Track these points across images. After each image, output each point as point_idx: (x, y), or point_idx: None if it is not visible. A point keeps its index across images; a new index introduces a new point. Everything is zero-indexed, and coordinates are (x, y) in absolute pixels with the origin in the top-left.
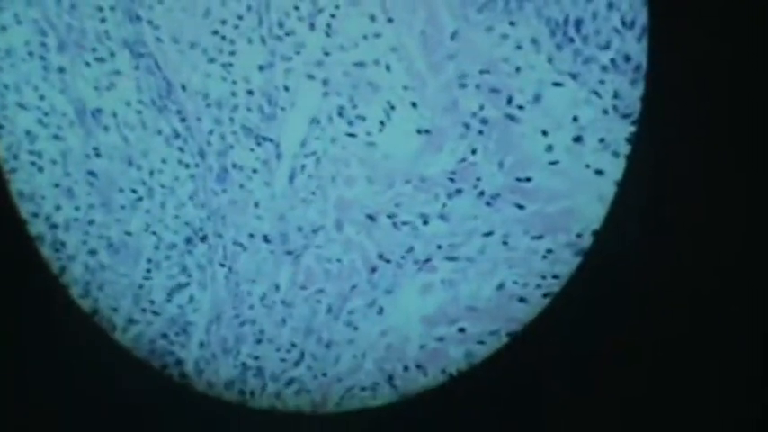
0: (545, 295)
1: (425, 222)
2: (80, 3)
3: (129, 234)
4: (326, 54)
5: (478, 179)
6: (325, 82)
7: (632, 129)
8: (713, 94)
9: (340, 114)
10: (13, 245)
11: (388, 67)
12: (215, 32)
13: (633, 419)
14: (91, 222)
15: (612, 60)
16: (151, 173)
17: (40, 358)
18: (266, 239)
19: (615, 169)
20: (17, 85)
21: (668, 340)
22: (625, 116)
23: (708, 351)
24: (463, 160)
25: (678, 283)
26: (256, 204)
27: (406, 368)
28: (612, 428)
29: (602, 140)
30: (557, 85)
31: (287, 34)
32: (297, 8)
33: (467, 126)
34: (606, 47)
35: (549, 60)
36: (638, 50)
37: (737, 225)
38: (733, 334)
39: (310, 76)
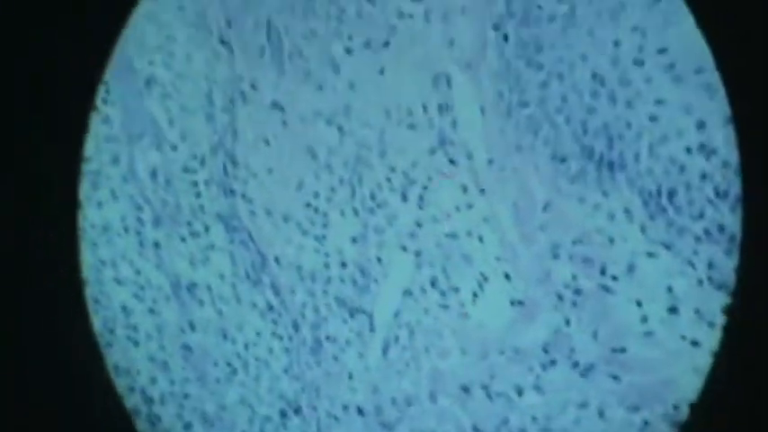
0: None
1: (520, 394)
2: (175, 178)
3: (223, 407)
4: (419, 225)
5: (572, 350)
6: (417, 253)
7: (728, 299)
8: None
9: (433, 285)
10: (110, 419)
11: (480, 239)
12: (308, 205)
13: None
14: (186, 396)
15: (706, 230)
16: (246, 346)
17: None
18: (360, 412)
19: (711, 340)
20: (113, 261)
21: None
22: (720, 287)
23: None
24: (557, 331)
25: None
26: (350, 376)
27: None
28: None
29: (697, 311)
30: (650, 255)
31: (379, 206)
32: (389, 180)
33: (560, 297)
34: (700, 217)
35: (643, 231)
36: (732, 220)
37: None
38: None
39: (403, 248)
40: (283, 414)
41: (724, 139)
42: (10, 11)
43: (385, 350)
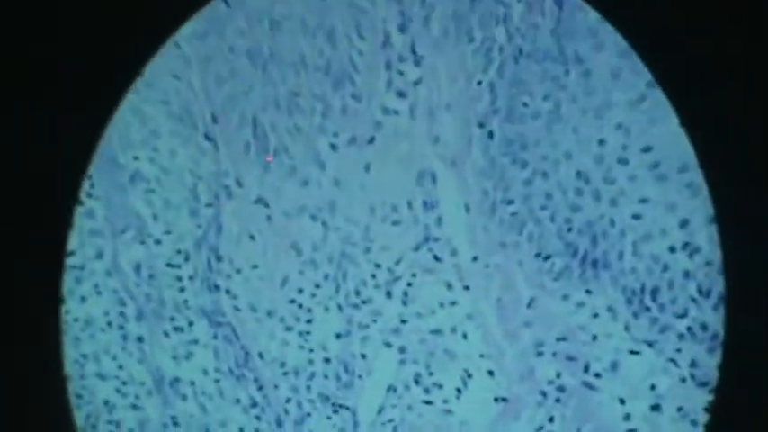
0: None
1: None
2: (159, 273)
3: None
4: (403, 322)
5: None
6: (401, 349)
7: (710, 397)
8: None
9: (417, 382)
10: None
11: (464, 335)
12: (292, 301)
13: None
14: None
15: (689, 328)
16: None
17: None
18: None
19: None
20: (96, 355)
21: None
22: (702, 384)
23: None
24: (541, 428)
25: None
26: None
27: None
28: None
29: (680, 409)
30: (634, 353)
31: (363, 302)
32: (374, 276)
33: (544, 394)
34: (683, 315)
35: (626, 328)
36: (715, 319)
37: None
38: None
39: (387, 344)
40: None
41: (707, 237)
42: None
43: None
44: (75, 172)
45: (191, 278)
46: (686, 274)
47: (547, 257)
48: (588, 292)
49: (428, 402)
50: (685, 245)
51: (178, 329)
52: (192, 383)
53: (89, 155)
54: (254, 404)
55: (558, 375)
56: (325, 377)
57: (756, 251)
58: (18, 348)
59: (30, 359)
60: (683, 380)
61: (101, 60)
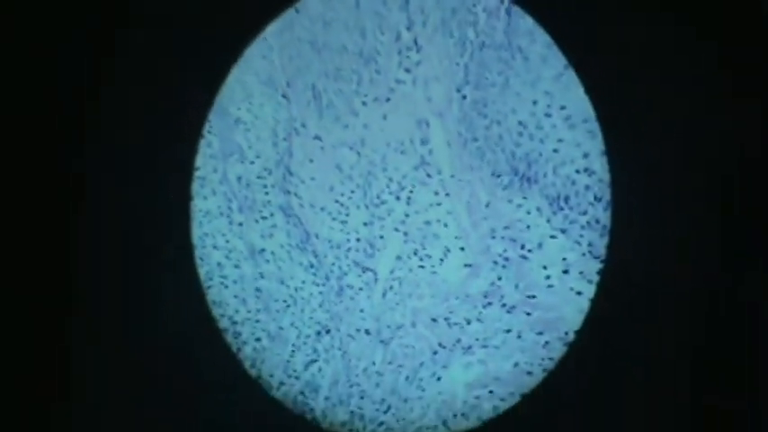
0: (544, 370)
1: (469, 323)
2: (253, 181)
3: (281, 328)
4: (407, 216)
5: (502, 296)
6: (405, 233)
7: (600, 266)
8: (664, 245)
9: (415, 254)
10: (206, 334)
11: (446, 225)
12: (336, 201)
13: None
14: (257, 321)
15: (588, 222)
16: (295, 289)
17: (219, 409)
18: (367, 332)
19: (589, 291)
20: (212, 234)
21: (626, 404)
22: (596, 257)
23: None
24: (493, 284)
25: (631, 364)
26: (361, 310)
27: (455, 416)
28: None
29: (581, 272)
30: (553, 237)
31: (382, 203)
32: (388, 186)
33: (495, 262)
34: (584, 213)
35: (548, 221)
36: (604, 216)
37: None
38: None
39: (396, 230)
40: (318, 333)
41: (600, 164)
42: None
43: (384, 294)
44: (200, 116)
45: (272, 186)
46: (586, 187)
47: (498, 176)
48: (524, 198)
49: (422, 267)
50: (586, 169)
51: (264, 218)
52: (273, 253)
53: (209, 106)
54: (312, 266)
55: (505, 250)
56: (357, 250)
57: (632, 172)
58: (161, 229)
59: (168, 235)
60: (584, 254)
61: (220, 46)
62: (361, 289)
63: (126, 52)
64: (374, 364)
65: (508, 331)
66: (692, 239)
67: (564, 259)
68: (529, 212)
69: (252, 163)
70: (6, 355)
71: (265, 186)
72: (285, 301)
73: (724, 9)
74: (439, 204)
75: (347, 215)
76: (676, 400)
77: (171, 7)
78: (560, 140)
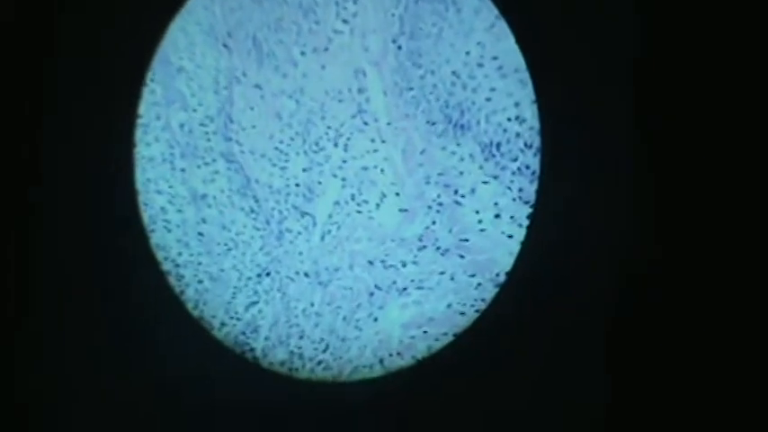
0: (476, 311)
1: (404, 266)
2: (195, 128)
3: (222, 270)
4: (344, 162)
5: (437, 239)
6: (343, 179)
7: (530, 210)
8: (592, 191)
9: (352, 198)
10: (149, 277)
11: (382, 170)
12: (276, 148)
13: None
14: (199, 263)
15: (519, 168)
16: (237, 233)
17: (160, 350)
18: (306, 275)
19: (520, 235)
20: (155, 179)
21: (553, 343)
22: (526, 202)
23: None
24: (427, 228)
25: (558, 305)
26: (300, 253)
27: (390, 354)
28: (519, 397)
29: (512, 217)
30: (485, 183)
31: (321, 149)
32: (327, 133)
33: (429, 207)
34: (515, 160)
35: (480, 168)
36: (534, 162)
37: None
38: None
39: (334, 176)
40: (259, 276)
41: (531, 113)
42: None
43: (323, 237)
44: (143, 65)
45: (214, 133)
46: (517, 134)
47: (433, 123)
48: (458, 144)
49: (359, 212)
50: (517, 117)
51: (206, 164)
52: (215, 197)
53: (152, 55)
54: (252, 210)
55: (439, 195)
56: (296, 195)
57: (562, 120)
58: (106, 175)
59: (114, 181)
60: (515, 200)
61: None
62: (300, 233)
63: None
64: (313, 305)
65: (442, 273)
66: (620, 186)
67: (496, 204)
68: (462, 159)
69: (194, 111)
70: None
71: (207, 133)
72: (227, 245)
73: None
74: (376, 151)
75: (287, 161)
76: (597, 340)
77: None
78: (492, 89)
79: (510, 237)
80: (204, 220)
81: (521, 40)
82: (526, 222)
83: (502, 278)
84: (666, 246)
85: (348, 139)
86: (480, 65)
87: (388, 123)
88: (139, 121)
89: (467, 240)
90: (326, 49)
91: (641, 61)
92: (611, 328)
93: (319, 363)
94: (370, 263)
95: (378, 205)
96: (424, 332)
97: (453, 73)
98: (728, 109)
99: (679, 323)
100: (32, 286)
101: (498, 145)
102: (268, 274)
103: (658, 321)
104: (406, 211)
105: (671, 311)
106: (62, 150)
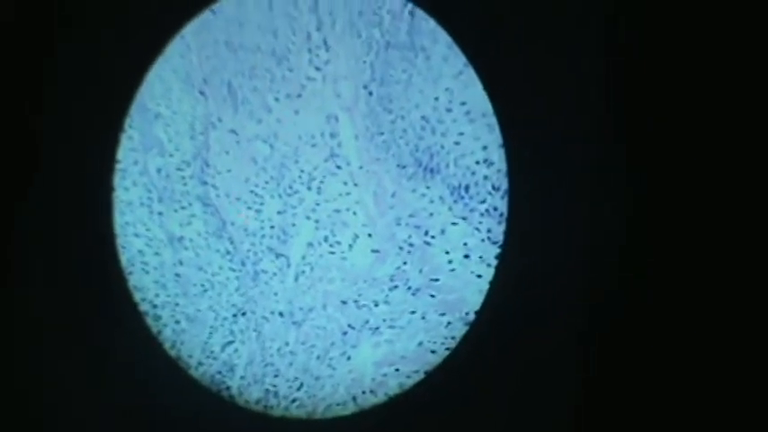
0: (447, 349)
1: (376, 305)
2: (172, 173)
3: (199, 311)
4: (317, 204)
5: (407, 279)
6: (316, 221)
7: (498, 250)
8: (559, 233)
9: (325, 240)
10: (126, 318)
11: (354, 213)
12: (251, 191)
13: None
14: (176, 304)
15: (487, 210)
16: (212, 274)
17: (138, 389)
18: (281, 314)
19: (488, 274)
20: (133, 223)
21: (523, 379)
22: (494, 243)
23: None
24: (398, 268)
25: (527, 343)
26: (275, 294)
27: (363, 392)
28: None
29: (480, 257)
30: (454, 224)
31: (295, 192)
32: (300, 177)
33: (401, 248)
34: (483, 201)
35: (450, 209)
36: (502, 204)
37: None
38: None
39: (308, 218)
40: (234, 315)
41: (498, 156)
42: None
43: (296, 278)
44: (120, 112)
45: (191, 177)
46: (485, 177)
47: (403, 167)
48: (428, 187)
49: (332, 253)
50: (485, 160)
51: (183, 208)
52: (191, 240)
53: (130, 101)
54: (228, 252)
55: (409, 236)
56: (271, 237)
57: (529, 164)
58: (82, 215)
59: (90, 223)
60: (483, 240)
61: (140, 44)
62: (275, 274)
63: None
64: (287, 344)
65: (413, 312)
66: (587, 229)
67: (465, 244)
68: (432, 201)
69: (171, 156)
70: None
71: (184, 178)
72: (203, 286)
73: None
74: (348, 194)
75: (261, 204)
76: (569, 380)
77: (92, 8)
78: (461, 134)
79: (479, 276)
80: (181, 262)
81: (488, 86)
82: (494, 262)
83: (471, 317)
84: (635, 287)
85: (321, 182)
86: (449, 110)
87: (360, 167)
88: (118, 166)
89: (437, 280)
90: (300, 96)
91: (607, 106)
92: (581, 364)
93: (294, 401)
94: (343, 303)
95: (350, 246)
96: (396, 370)
97: (423, 118)
98: (699, 149)
99: (652, 362)
100: (7, 325)
101: (467, 187)
102: (243, 314)
103: (629, 359)
104: (377, 251)
105: (641, 350)
106: (44, 194)
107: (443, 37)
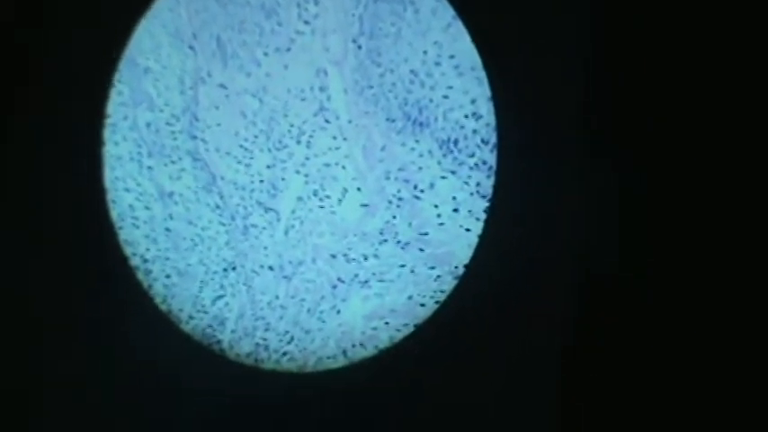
0: (436, 302)
1: (366, 259)
2: (161, 127)
3: (189, 265)
4: (307, 158)
5: (396, 233)
6: (306, 175)
7: (487, 204)
8: (546, 186)
9: (315, 194)
10: (117, 272)
11: (343, 167)
12: (241, 146)
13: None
14: (167, 258)
15: (476, 164)
16: (203, 228)
17: (129, 343)
18: (271, 268)
19: (477, 228)
20: (123, 178)
21: (511, 334)
22: (483, 196)
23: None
24: (387, 222)
25: (514, 296)
26: (265, 248)
27: (353, 345)
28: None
29: (469, 211)
30: (443, 178)
31: (284, 146)
32: (289, 131)
33: (390, 202)
34: (472, 155)
35: (439, 163)
36: (491, 158)
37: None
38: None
39: (297, 172)
40: (225, 270)
41: (486, 109)
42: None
43: (286, 232)
44: (110, 66)
45: (180, 132)
46: (474, 131)
47: (392, 120)
48: (417, 141)
49: (321, 207)
50: (474, 114)
51: (173, 162)
52: (181, 194)
53: (119, 56)
54: (218, 206)
55: (398, 191)
56: (260, 191)
57: (517, 117)
58: (75, 175)
59: (82, 180)
60: (472, 194)
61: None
62: (264, 228)
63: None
64: (278, 298)
65: (402, 266)
66: (575, 181)
67: (454, 198)
68: (421, 155)
69: (160, 111)
70: None
71: (173, 132)
72: (193, 240)
73: None
74: (337, 148)
75: (251, 158)
76: (559, 333)
77: None
78: (450, 87)
79: (468, 230)
80: (171, 217)
81: (476, 40)
82: (483, 216)
83: (461, 270)
84: (623, 242)
85: (310, 136)
86: (438, 63)
87: (349, 121)
88: (108, 120)
89: (426, 234)
90: (289, 50)
91: (594, 59)
92: (568, 321)
93: (284, 354)
94: (333, 256)
95: (339, 200)
96: (386, 323)
97: (411, 71)
98: (683, 102)
99: (638, 319)
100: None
101: (456, 141)
102: (234, 269)
103: (617, 316)
104: (367, 206)
105: (629, 306)
106: (32, 149)
107: None
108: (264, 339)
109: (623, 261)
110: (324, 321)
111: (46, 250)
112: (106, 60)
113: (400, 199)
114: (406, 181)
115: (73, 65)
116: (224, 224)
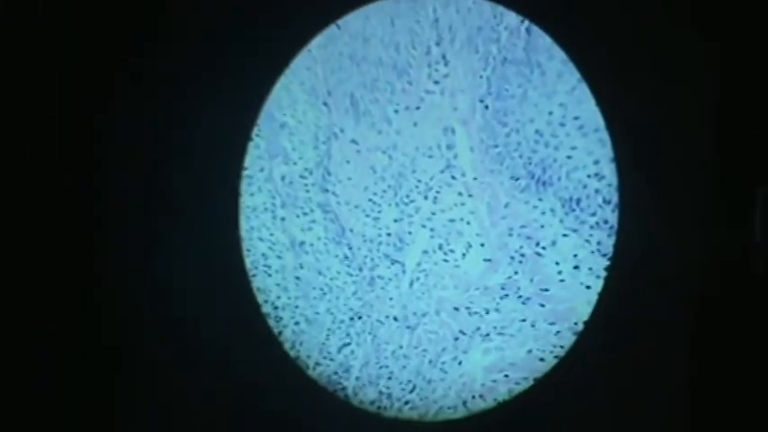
0: (556, 357)
1: (487, 313)
2: (295, 180)
3: (317, 313)
4: (433, 214)
5: (518, 288)
6: (432, 229)
7: (607, 263)
8: (668, 246)
9: (440, 248)
10: (251, 318)
11: (468, 222)
12: (370, 199)
13: None
14: (296, 306)
15: (597, 222)
16: (331, 279)
17: (260, 387)
18: (395, 319)
19: (597, 286)
20: (258, 228)
21: (631, 388)
22: (604, 255)
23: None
24: (509, 277)
25: (635, 353)
26: (390, 299)
27: (473, 397)
28: None
29: (590, 269)
30: (565, 235)
31: (411, 201)
32: (417, 187)
33: (512, 258)
34: (594, 214)
35: (561, 221)
36: (612, 217)
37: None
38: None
39: (423, 226)
40: (351, 319)
41: (609, 170)
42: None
43: (411, 284)
44: (249, 121)
45: (312, 185)
46: (596, 191)
47: (516, 179)
48: (540, 199)
49: (445, 260)
50: (596, 174)
51: (304, 213)
52: (311, 245)
53: (258, 111)
54: (346, 257)
55: (521, 247)
56: (387, 244)
57: (639, 178)
58: (214, 222)
59: (222, 227)
60: (593, 252)
61: (269, 58)
62: (390, 279)
63: (181, 58)
64: (401, 347)
65: (523, 321)
66: (696, 243)
67: (575, 256)
68: (543, 213)
69: (295, 164)
70: None
71: (306, 185)
72: (322, 289)
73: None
74: (462, 204)
75: (379, 212)
76: (676, 389)
77: (225, 23)
78: (573, 148)
79: (588, 287)
80: (302, 266)
81: (601, 102)
82: (604, 274)
83: (580, 326)
84: (743, 298)
85: (437, 192)
86: (562, 124)
87: (475, 178)
88: (245, 172)
89: (547, 290)
90: (418, 108)
91: (720, 124)
92: (690, 375)
93: (406, 403)
94: (456, 309)
95: (463, 255)
96: (506, 376)
97: (536, 132)
98: None
99: (759, 367)
100: (134, 326)
101: (578, 200)
102: (360, 318)
103: (738, 368)
104: (489, 261)
105: (751, 356)
106: (173, 197)
107: (558, 53)
108: (387, 388)
109: (746, 321)
110: (445, 372)
111: (184, 295)
112: (246, 115)
113: (522, 255)
114: (529, 238)
115: (214, 119)
116: (351, 275)
